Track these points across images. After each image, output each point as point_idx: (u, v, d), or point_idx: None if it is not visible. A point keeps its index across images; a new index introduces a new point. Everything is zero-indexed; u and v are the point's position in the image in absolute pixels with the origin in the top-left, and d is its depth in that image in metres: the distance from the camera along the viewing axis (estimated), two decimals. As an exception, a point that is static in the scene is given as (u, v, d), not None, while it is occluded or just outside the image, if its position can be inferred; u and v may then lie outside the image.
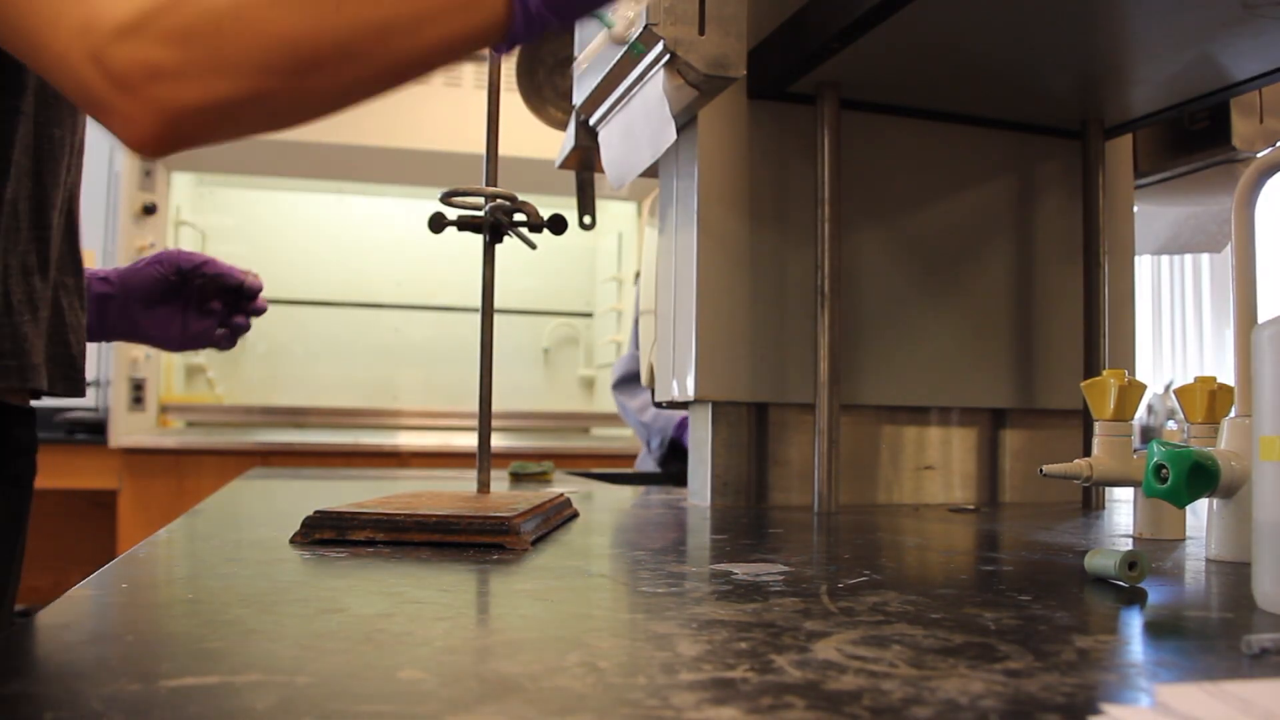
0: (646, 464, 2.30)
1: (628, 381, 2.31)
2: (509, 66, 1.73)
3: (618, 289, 3.69)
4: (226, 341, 1.03)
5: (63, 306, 0.82)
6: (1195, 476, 0.64)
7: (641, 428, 2.25)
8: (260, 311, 1.06)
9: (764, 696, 0.35)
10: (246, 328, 1.04)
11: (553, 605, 0.53)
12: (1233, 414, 0.69)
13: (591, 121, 1.23)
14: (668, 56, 0.98)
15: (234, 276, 1.02)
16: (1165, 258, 3.59)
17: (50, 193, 0.79)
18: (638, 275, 2.34)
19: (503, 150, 0.94)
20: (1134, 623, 0.51)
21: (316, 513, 0.75)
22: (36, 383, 0.78)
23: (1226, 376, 0.78)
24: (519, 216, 0.92)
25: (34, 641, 0.44)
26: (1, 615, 0.83)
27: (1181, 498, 0.64)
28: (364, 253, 3.70)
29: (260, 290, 1.04)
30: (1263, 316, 0.58)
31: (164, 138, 0.54)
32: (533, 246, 0.94)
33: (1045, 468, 0.81)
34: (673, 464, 2.15)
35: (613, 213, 3.65)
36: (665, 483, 2.01)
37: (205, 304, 1.02)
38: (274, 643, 0.43)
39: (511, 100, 1.31)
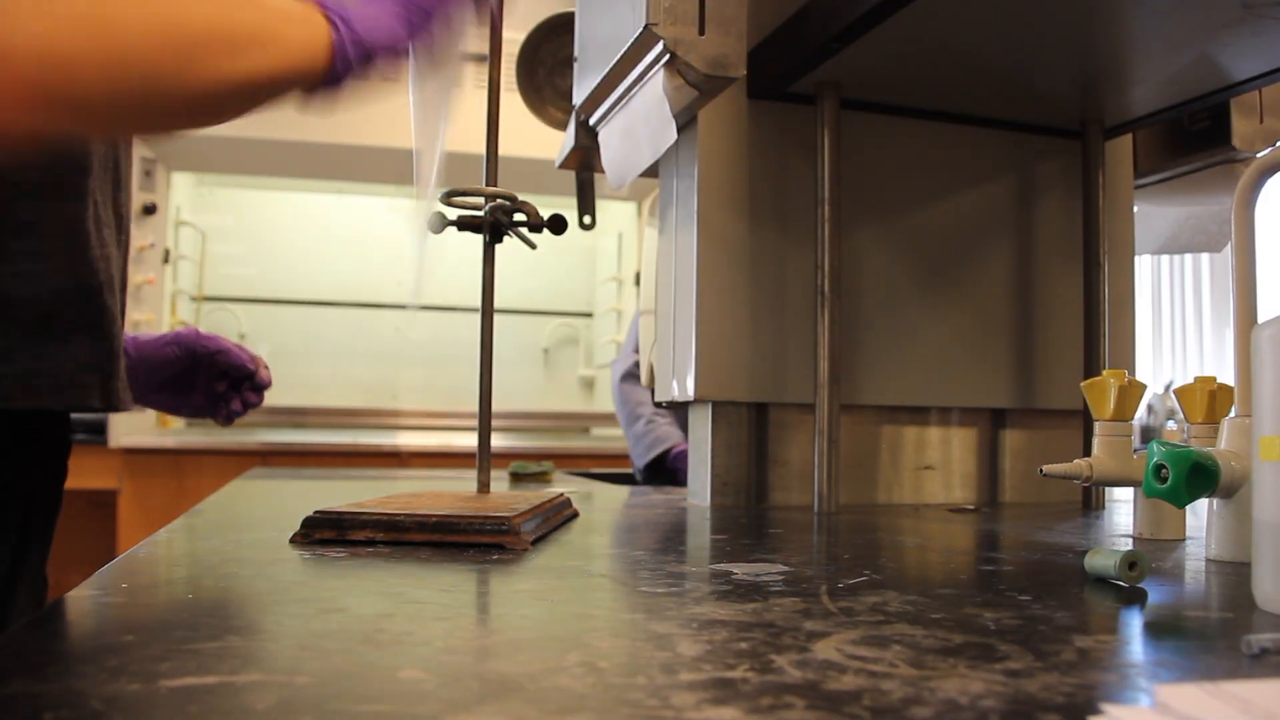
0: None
1: (631, 379, 2.30)
2: (509, 66, 1.73)
3: (618, 289, 3.69)
4: (226, 420, 1.05)
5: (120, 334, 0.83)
6: (1195, 476, 0.64)
7: (632, 440, 2.24)
8: (261, 399, 1.08)
9: (764, 696, 0.35)
10: (244, 413, 1.06)
11: (553, 605, 0.53)
12: (1233, 414, 0.69)
13: (591, 121, 1.23)
14: (668, 56, 0.97)
15: (246, 368, 1.03)
16: (1165, 258, 3.60)
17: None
18: (638, 276, 2.34)
19: (503, 150, 0.94)
20: (1134, 623, 0.51)
21: (316, 513, 0.75)
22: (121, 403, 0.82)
23: (1226, 376, 0.78)
24: (519, 216, 0.92)
25: (34, 641, 0.44)
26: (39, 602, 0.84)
27: (1181, 498, 0.64)
28: (364, 253, 3.70)
29: (269, 385, 1.06)
30: (1263, 316, 0.58)
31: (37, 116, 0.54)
32: (533, 246, 0.94)
33: (1045, 468, 0.81)
34: (655, 481, 2.14)
35: (613, 213, 3.66)
36: (665, 483, 2.01)
37: (212, 384, 1.04)
38: (274, 643, 0.43)
39: (511, 100, 1.31)
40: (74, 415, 0.83)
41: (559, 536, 0.83)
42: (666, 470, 2.13)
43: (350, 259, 3.69)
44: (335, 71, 0.63)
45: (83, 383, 0.75)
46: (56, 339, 0.74)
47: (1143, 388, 0.87)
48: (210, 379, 1.04)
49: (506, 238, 0.93)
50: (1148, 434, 3.01)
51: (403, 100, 0.79)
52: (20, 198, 0.72)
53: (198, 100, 0.59)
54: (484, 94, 0.95)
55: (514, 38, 1.65)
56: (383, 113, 3.38)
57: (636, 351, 2.28)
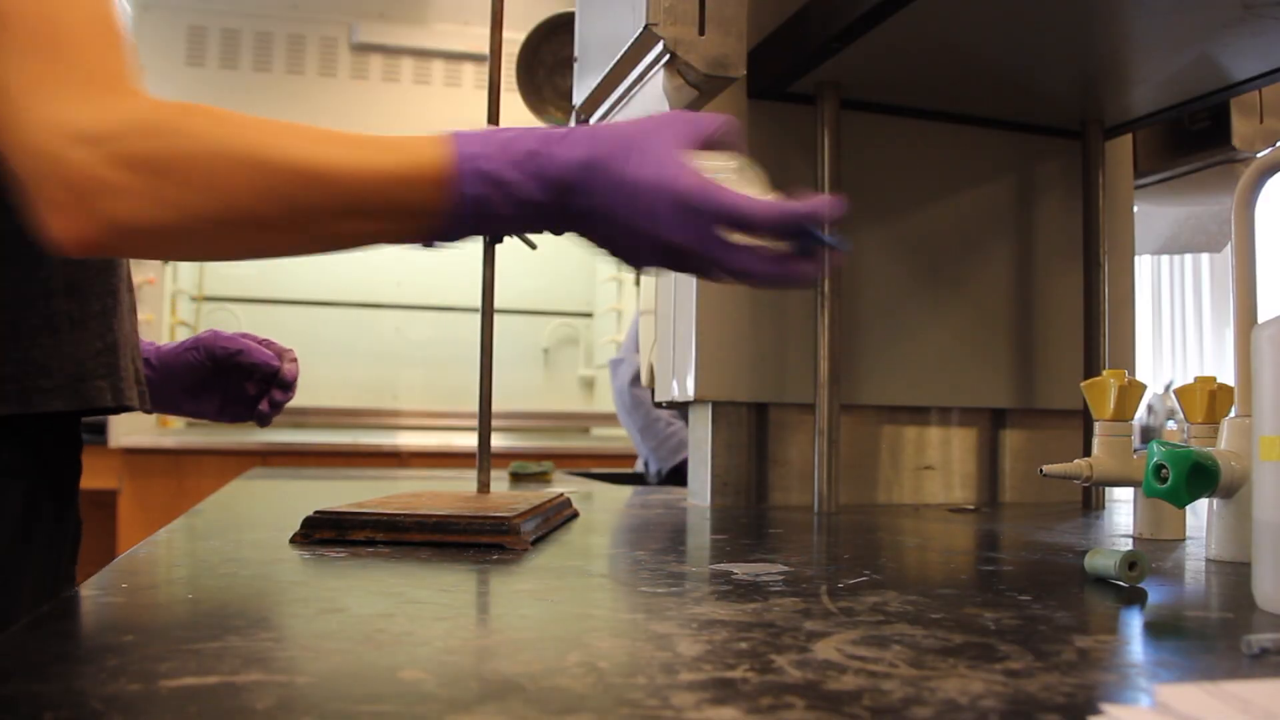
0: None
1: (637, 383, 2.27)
2: (509, 67, 1.73)
3: (618, 289, 3.69)
4: (264, 420, 1.04)
5: (114, 323, 0.83)
6: (1195, 476, 0.64)
7: (654, 441, 2.21)
8: (292, 394, 1.06)
9: (764, 696, 0.35)
10: (280, 409, 1.05)
11: (553, 605, 0.53)
12: (1233, 414, 0.69)
13: (592, 121, 1.23)
14: (668, 56, 0.97)
15: (269, 366, 1.02)
16: (1165, 258, 3.59)
17: None
18: (638, 276, 2.32)
19: (503, 150, 0.94)
20: (1134, 623, 0.51)
21: (316, 513, 0.75)
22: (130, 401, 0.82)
23: (1226, 376, 0.78)
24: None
25: (34, 641, 0.44)
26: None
27: (1181, 498, 0.64)
28: (364, 253, 3.70)
29: (295, 379, 1.05)
30: (1263, 316, 0.58)
31: (90, 245, 0.56)
32: (533, 246, 0.94)
33: (1045, 468, 0.81)
34: (671, 482, 2.13)
35: (613, 213, 3.65)
36: (682, 484, 2.02)
37: (241, 386, 1.03)
38: (274, 643, 0.43)
39: (511, 100, 1.31)
40: (102, 410, 0.82)
41: (559, 536, 0.83)
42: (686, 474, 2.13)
43: (350, 259, 3.69)
44: (443, 237, 0.60)
45: (43, 386, 0.75)
46: (43, 339, 0.74)
47: (1143, 388, 0.87)
48: (239, 380, 1.03)
49: (506, 237, 0.93)
50: (1148, 434, 3.01)
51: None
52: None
53: (304, 248, 0.61)
54: (484, 94, 0.95)
55: (514, 38, 1.64)
56: (383, 113, 3.39)
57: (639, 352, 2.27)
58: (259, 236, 0.59)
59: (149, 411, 1.04)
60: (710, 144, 0.61)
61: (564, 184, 0.57)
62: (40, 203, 0.55)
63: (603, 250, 0.61)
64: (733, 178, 0.59)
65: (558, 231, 0.61)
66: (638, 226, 0.57)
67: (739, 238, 0.58)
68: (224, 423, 1.06)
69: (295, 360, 1.05)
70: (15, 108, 0.56)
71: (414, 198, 0.57)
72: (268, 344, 1.04)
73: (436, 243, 0.61)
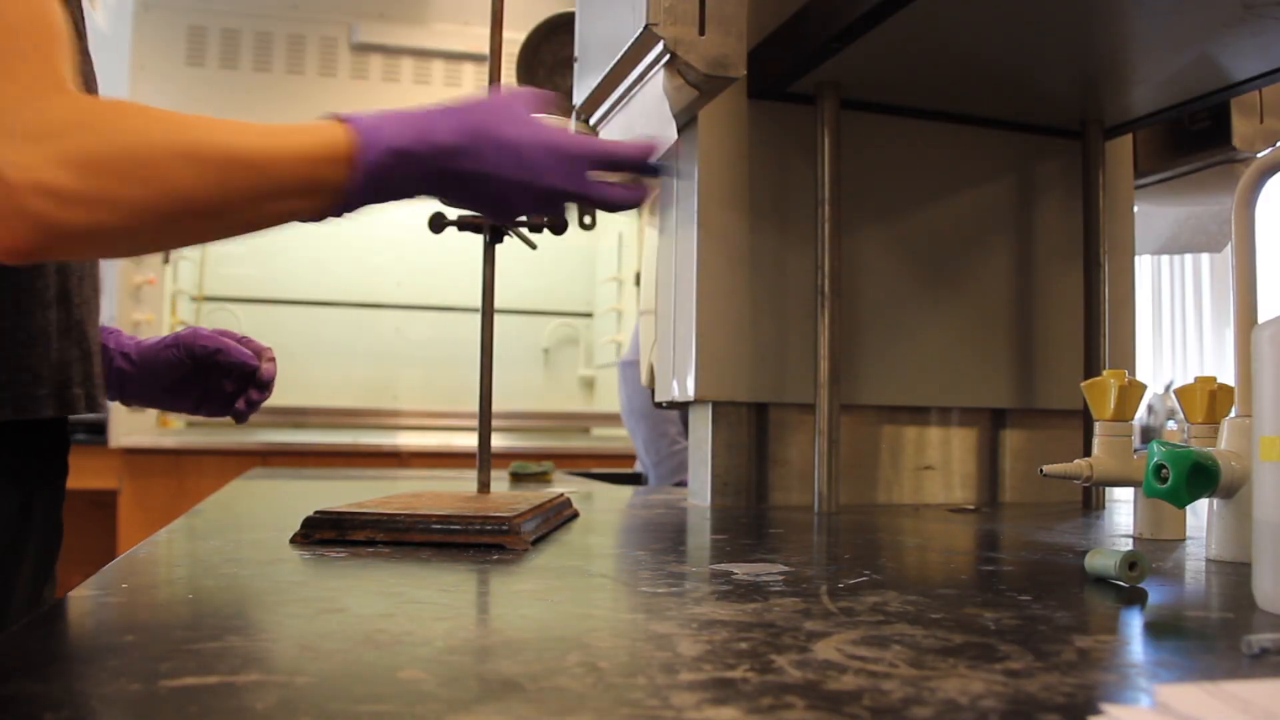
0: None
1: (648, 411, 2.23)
2: (509, 67, 1.73)
3: (618, 289, 3.69)
4: (240, 417, 1.05)
5: (88, 330, 0.84)
6: (1195, 476, 0.64)
7: (657, 455, 2.20)
8: (268, 393, 1.07)
9: (764, 696, 0.35)
10: (256, 408, 1.06)
11: (553, 605, 0.53)
12: (1233, 414, 0.69)
13: (591, 121, 1.23)
14: (668, 56, 0.97)
15: (248, 364, 1.03)
16: (1165, 258, 3.59)
17: None
18: (638, 276, 2.31)
19: (503, 150, 0.94)
20: (1134, 623, 0.51)
21: (316, 513, 0.75)
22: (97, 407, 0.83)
23: (1226, 376, 0.78)
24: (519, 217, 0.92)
25: (34, 641, 0.44)
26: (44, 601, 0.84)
27: (1181, 498, 0.64)
28: (364, 253, 3.70)
29: (273, 378, 1.06)
30: (1263, 316, 0.58)
31: (32, 250, 0.56)
32: (533, 246, 0.94)
33: (1045, 468, 0.81)
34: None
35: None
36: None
37: (219, 384, 1.04)
38: (274, 643, 0.43)
39: (511, 100, 1.30)
40: (74, 416, 0.83)
41: (559, 536, 0.83)
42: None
43: (350, 259, 3.69)
44: (347, 205, 0.65)
45: (36, 394, 0.76)
46: (17, 349, 0.75)
47: (1143, 388, 0.87)
48: (218, 378, 1.04)
49: (507, 238, 0.93)
50: (1148, 434, 3.01)
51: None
52: None
53: (235, 230, 0.64)
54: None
55: (514, 38, 1.64)
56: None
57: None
58: (193, 225, 0.61)
59: (127, 405, 1.05)
60: (542, 112, 0.70)
61: (453, 148, 0.65)
62: None
63: (478, 208, 0.70)
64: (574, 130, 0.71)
65: (441, 195, 0.68)
66: (519, 178, 0.66)
67: (600, 174, 0.70)
68: (201, 417, 1.07)
69: (273, 360, 1.06)
70: None
71: (327, 173, 0.62)
72: (246, 342, 1.05)
73: (340, 214, 0.65)
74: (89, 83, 0.77)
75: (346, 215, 0.66)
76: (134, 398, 1.03)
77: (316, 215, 0.65)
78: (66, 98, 0.58)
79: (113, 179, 0.56)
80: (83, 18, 0.74)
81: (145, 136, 0.58)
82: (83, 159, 0.55)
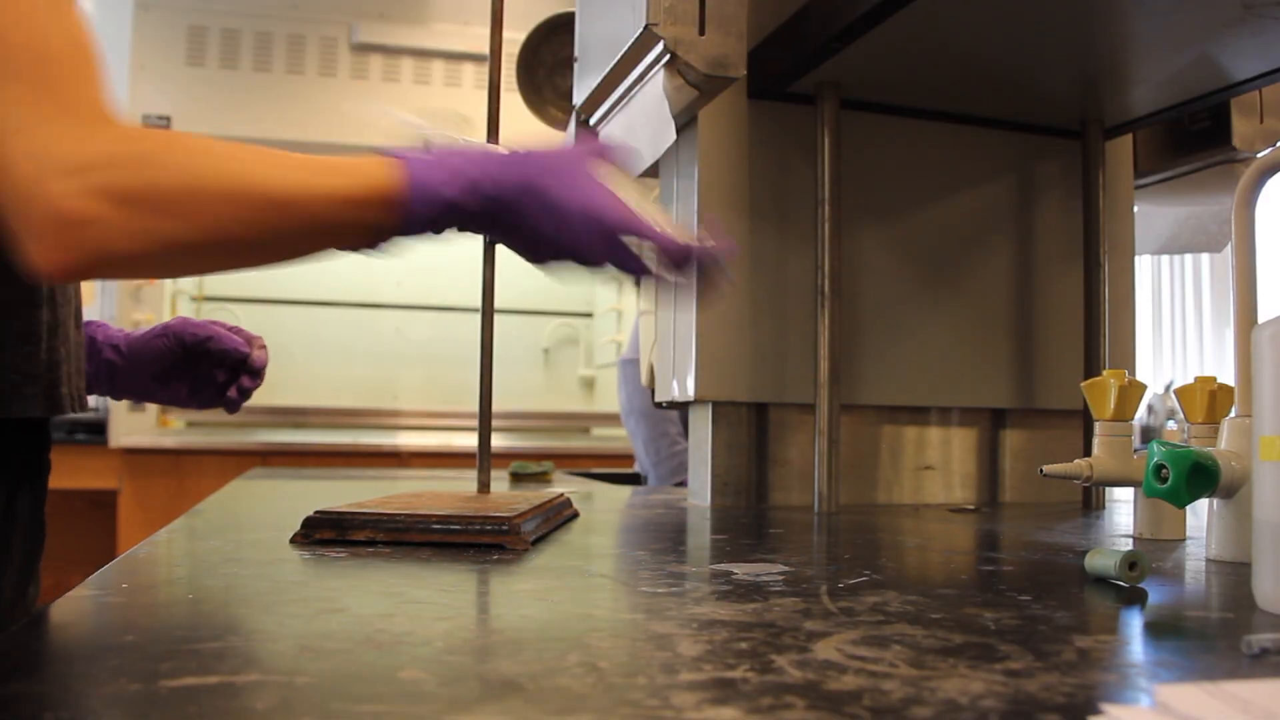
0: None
1: (648, 412, 2.22)
2: (509, 67, 1.74)
3: (618, 289, 3.69)
4: (232, 406, 1.05)
5: (71, 331, 0.84)
6: (1195, 476, 0.64)
7: (655, 455, 2.19)
8: (260, 381, 1.07)
9: (764, 696, 0.35)
10: (249, 396, 1.06)
11: (553, 605, 0.53)
12: (1233, 414, 0.69)
13: (592, 121, 1.23)
14: (668, 56, 0.97)
15: (239, 352, 1.03)
16: (1165, 258, 3.59)
17: None
18: None
19: (503, 150, 0.94)
20: (1134, 623, 0.51)
21: (316, 513, 0.75)
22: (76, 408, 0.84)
23: (1226, 376, 0.78)
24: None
25: (34, 641, 0.44)
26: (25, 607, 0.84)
27: (1181, 498, 0.64)
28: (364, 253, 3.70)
29: (265, 365, 1.06)
30: (1263, 316, 0.58)
31: (73, 273, 0.57)
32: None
33: (1045, 468, 0.81)
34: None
35: (613, 212, 3.65)
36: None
37: (210, 373, 1.04)
38: (274, 643, 0.43)
39: (512, 100, 1.31)
40: (74, 416, 0.83)
41: (559, 536, 0.83)
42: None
43: (350, 259, 3.68)
44: (398, 240, 0.66)
45: (25, 393, 0.77)
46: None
47: (1143, 388, 0.87)
48: (209, 367, 1.04)
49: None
50: (1148, 434, 3.01)
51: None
52: None
53: (270, 262, 0.66)
54: (484, 94, 0.95)
55: (514, 38, 1.64)
56: (384, 112, 3.38)
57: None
58: (227, 259, 0.63)
59: (117, 398, 1.05)
60: (612, 164, 0.70)
61: (501, 204, 0.65)
62: (23, 233, 0.56)
63: (512, 248, 0.70)
64: (637, 200, 0.69)
65: (477, 232, 0.68)
66: (561, 241, 0.67)
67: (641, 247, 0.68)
68: (192, 408, 1.08)
69: (264, 347, 1.07)
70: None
71: (371, 217, 0.63)
72: (237, 331, 1.05)
73: (380, 249, 0.66)
74: None
75: (392, 249, 0.67)
76: (124, 390, 1.03)
77: (357, 249, 0.66)
78: (108, 129, 0.59)
79: (155, 215, 0.57)
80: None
81: (189, 174, 0.59)
82: (124, 193, 0.56)
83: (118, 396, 1.05)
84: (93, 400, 1.04)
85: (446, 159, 0.65)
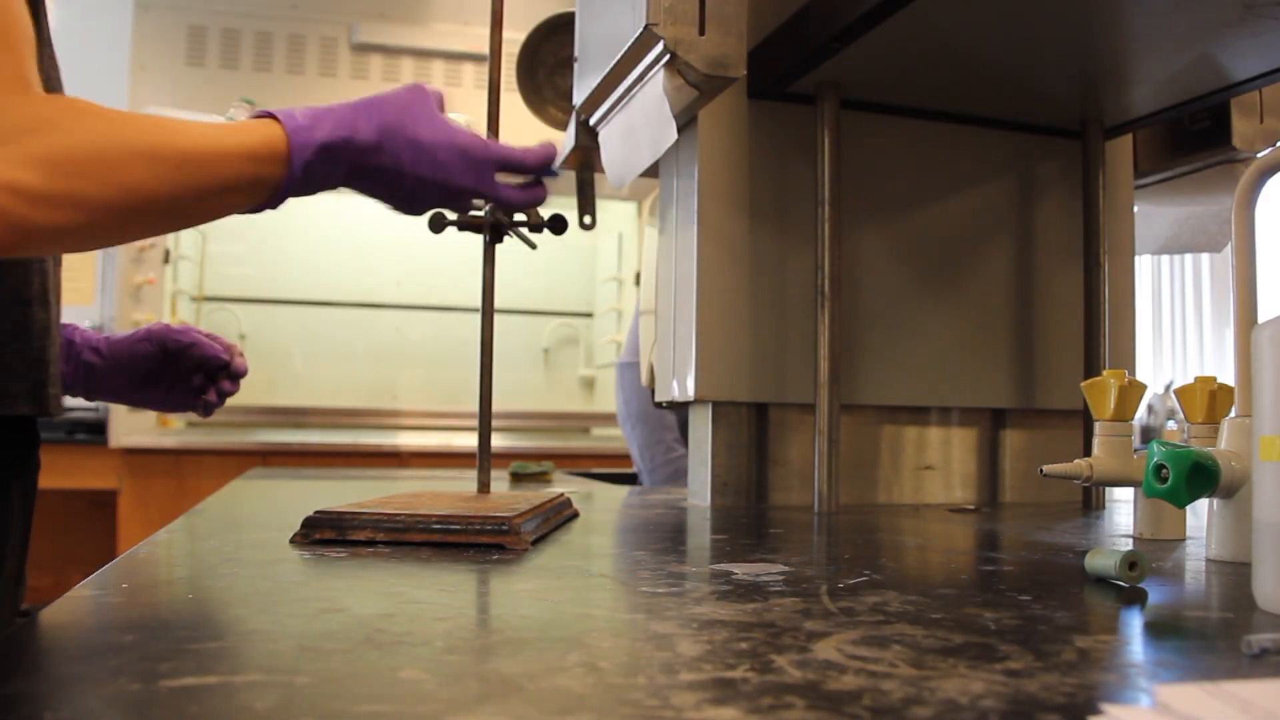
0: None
1: (649, 417, 2.21)
2: (509, 67, 1.73)
3: (618, 289, 3.69)
4: (208, 410, 1.07)
5: (56, 332, 0.85)
6: (1195, 476, 0.64)
7: (652, 461, 2.18)
8: (238, 388, 1.09)
9: (764, 696, 0.35)
10: (221, 403, 1.08)
11: (553, 605, 0.53)
12: (1233, 414, 0.69)
13: (591, 121, 1.23)
14: (668, 56, 0.97)
15: (219, 358, 1.05)
16: (1165, 258, 3.60)
17: None
18: (639, 276, 2.30)
19: (503, 150, 0.94)
20: (1134, 623, 0.51)
21: (316, 513, 0.75)
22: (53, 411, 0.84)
23: (1226, 376, 0.78)
24: (519, 216, 0.92)
25: (34, 641, 0.44)
26: (11, 607, 0.84)
27: (1181, 498, 0.64)
28: (364, 253, 3.70)
29: (244, 373, 1.08)
30: (1263, 316, 0.58)
31: (4, 247, 0.58)
32: (533, 246, 0.94)
33: (1045, 468, 0.81)
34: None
35: (613, 213, 3.65)
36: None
37: (188, 377, 1.05)
38: (274, 643, 0.43)
39: (511, 100, 1.31)
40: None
41: (559, 536, 0.83)
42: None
43: (350, 259, 3.69)
44: (284, 194, 0.69)
45: (13, 391, 0.77)
46: None
47: (1143, 388, 0.87)
48: (187, 372, 1.05)
49: (507, 238, 0.93)
50: (1148, 434, 3.01)
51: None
52: None
53: (185, 223, 0.68)
54: (484, 94, 0.95)
55: (514, 38, 1.64)
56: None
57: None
58: (148, 221, 0.64)
59: (91, 400, 1.07)
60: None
61: (372, 146, 0.70)
62: None
63: (389, 201, 0.74)
64: (477, 130, 0.77)
65: (358, 187, 0.72)
66: (431, 176, 0.72)
67: (503, 177, 0.77)
68: (164, 410, 1.09)
69: (242, 355, 1.10)
70: None
71: (267, 171, 0.67)
72: (214, 338, 1.07)
73: (274, 207, 0.70)
74: (51, 83, 0.78)
75: (277, 208, 0.70)
76: (100, 391, 1.05)
77: (254, 209, 0.69)
78: (29, 98, 0.60)
79: (78, 178, 0.58)
80: (45, 16, 0.75)
81: (106, 137, 0.60)
82: (48, 158, 0.57)
83: (91, 398, 1.06)
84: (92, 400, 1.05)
85: (319, 111, 0.70)
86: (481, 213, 0.92)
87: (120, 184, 0.60)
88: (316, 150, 0.68)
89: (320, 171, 0.69)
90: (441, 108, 0.75)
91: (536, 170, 0.79)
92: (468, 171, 0.73)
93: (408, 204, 0.75)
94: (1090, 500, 1.22)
